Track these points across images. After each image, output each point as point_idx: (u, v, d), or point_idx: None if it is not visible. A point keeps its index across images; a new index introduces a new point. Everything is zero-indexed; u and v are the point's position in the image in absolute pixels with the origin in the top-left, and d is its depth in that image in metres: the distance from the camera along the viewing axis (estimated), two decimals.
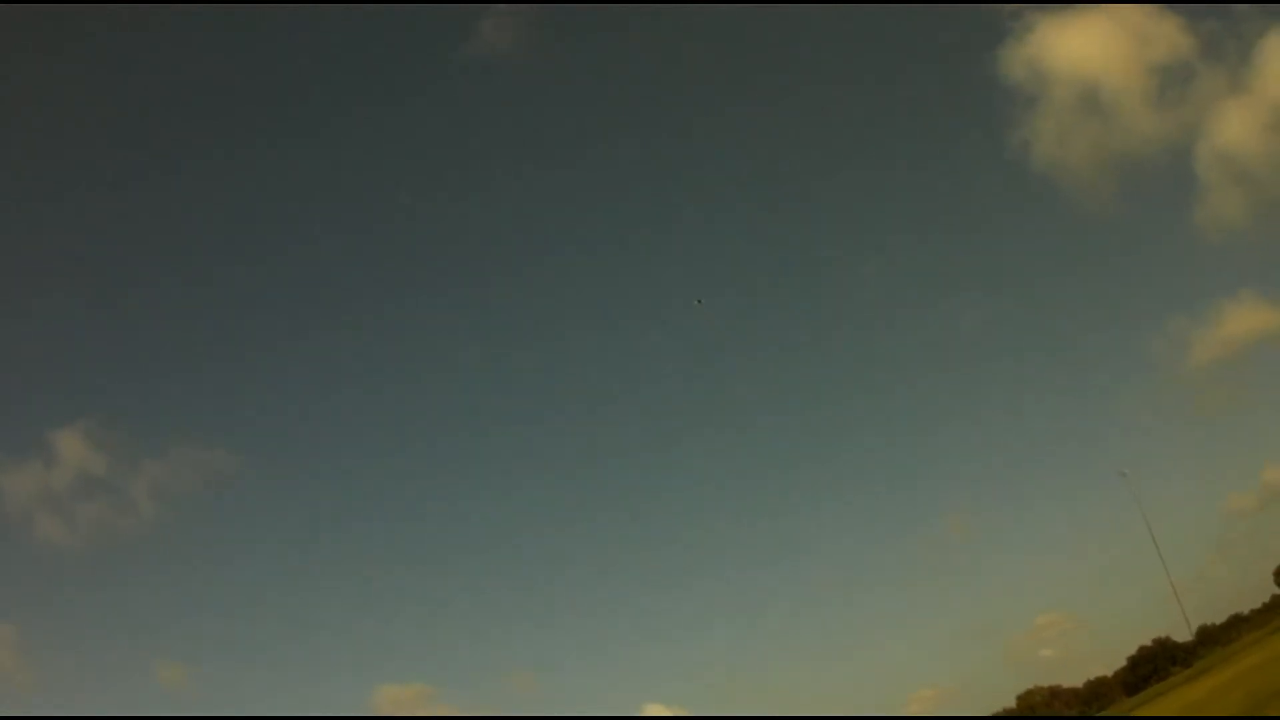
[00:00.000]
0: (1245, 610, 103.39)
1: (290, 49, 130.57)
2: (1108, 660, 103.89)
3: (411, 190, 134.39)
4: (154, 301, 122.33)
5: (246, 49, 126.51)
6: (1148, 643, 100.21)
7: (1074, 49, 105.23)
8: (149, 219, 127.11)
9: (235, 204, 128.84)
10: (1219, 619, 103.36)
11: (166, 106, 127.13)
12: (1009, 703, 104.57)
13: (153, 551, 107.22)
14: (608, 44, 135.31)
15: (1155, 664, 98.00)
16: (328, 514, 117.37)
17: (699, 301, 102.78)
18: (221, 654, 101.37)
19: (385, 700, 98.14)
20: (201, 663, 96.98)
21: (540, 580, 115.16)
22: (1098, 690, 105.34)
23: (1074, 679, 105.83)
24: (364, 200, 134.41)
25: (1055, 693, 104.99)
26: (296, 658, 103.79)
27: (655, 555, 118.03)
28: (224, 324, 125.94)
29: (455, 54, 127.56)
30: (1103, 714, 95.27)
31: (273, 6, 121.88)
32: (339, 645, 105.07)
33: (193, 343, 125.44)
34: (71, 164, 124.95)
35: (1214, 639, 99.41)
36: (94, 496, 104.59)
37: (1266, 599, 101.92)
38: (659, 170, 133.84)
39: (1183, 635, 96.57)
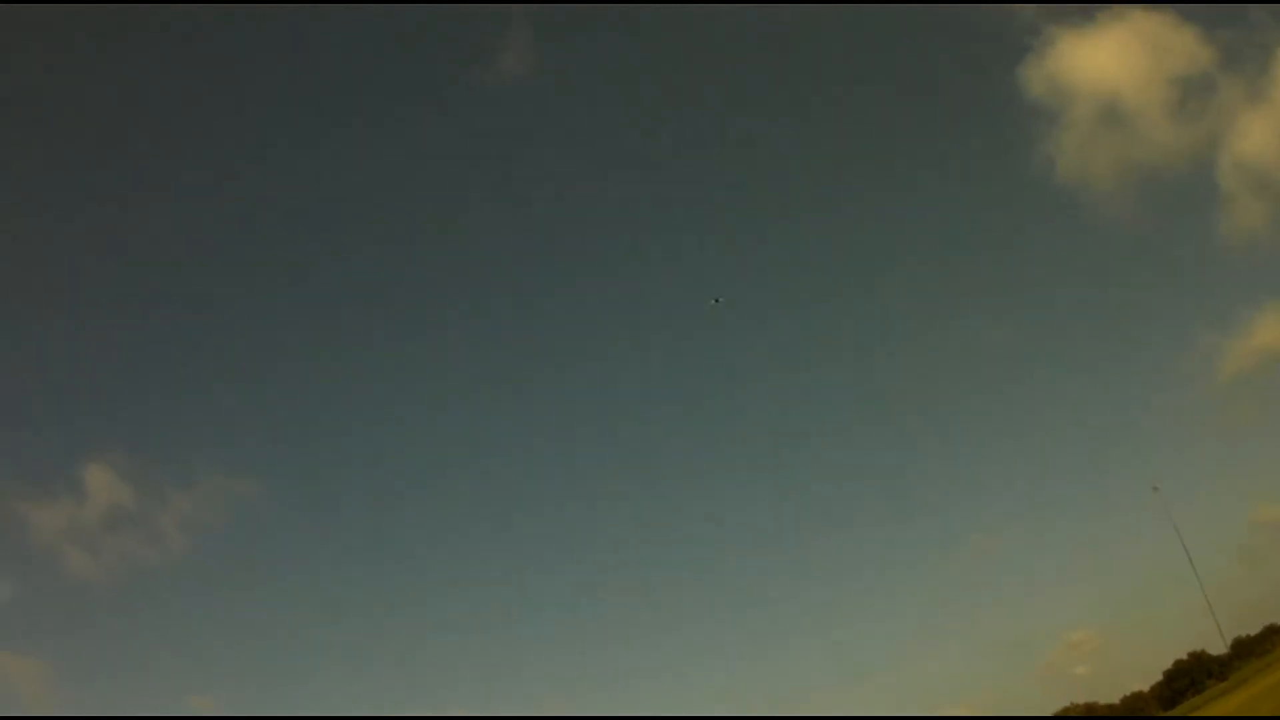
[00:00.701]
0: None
1: (316, 77, 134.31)
2: (1143, 676, 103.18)
3: (437, 215, 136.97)
4: (177, 331, 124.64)
5: (272, 73, 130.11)
6: (1183, 656, 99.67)
7: (1094, 63, 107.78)
8: (172, 251, 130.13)
9: (258, 232, 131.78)
10: (1254, 630, 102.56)
11: (192, 133, 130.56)
12: None
13: (182, 583, 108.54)
14: (627, 63, 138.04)
15: (1191, 677, 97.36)
16: (355, 540, 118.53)
17: (716, 300, 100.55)
18: (252, 684, 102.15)
19: None
20: (232, 694, 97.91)
21: (575, 609, 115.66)
22: (1134, 706, 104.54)
23: (1109, 696, 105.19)
24: (389, 227, 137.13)
25: (1091, 709, 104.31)
26: (326, 686, 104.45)
27: (679, 577, 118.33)
28: (247, 351, 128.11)
29: (476, 78, 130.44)
30: None
31: (298, 35, 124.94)
32: (369, 673, 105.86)
33: (217, 371, 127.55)
34: (96, 197, 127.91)
35: (1249, 650, 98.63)
36: (122, 529, 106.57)
37: None
38: (676, 186, 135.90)
39: (1218, 648, 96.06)
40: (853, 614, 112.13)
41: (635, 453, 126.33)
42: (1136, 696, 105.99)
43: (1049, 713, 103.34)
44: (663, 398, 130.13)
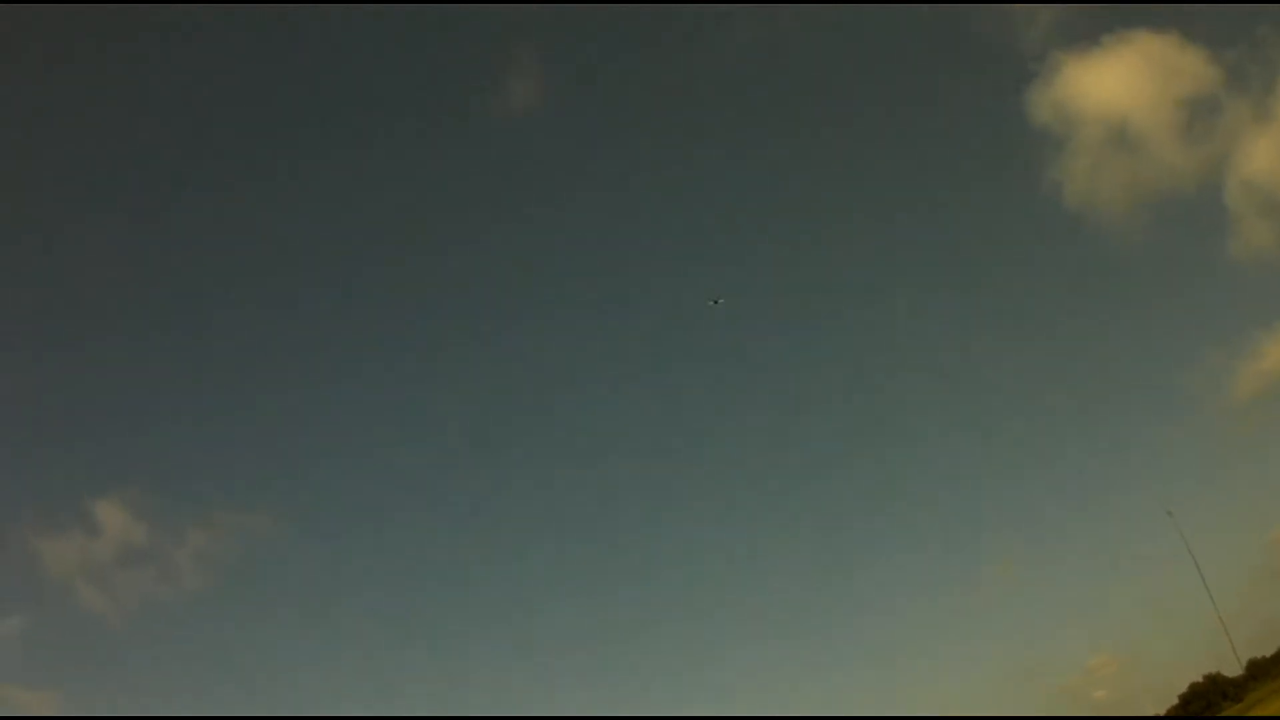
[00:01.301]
0: None
1: (320, 109, 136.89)
2: (1162, 699, 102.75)
3: (448, 247, 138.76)
4: (187, 366, 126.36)
5: (277, 102, 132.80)
6: (1199, 679, 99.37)
7: (1100, 87, 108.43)
8: (181, 288, 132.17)
9: (266, 266, 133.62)
10: (1268, 651, 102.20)
11: (196, 166, 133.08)
12: None
13: (197, 617, 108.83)
14: (635, 93, 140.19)
15: (1207, 699, 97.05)
16: (370, 572, 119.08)
17: (716, 301, 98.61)
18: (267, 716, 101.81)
19: None
20: None
21: (600, 635, 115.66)
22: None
23: None
24: (398, 261, 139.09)
25: None
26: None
27: (702, 615, 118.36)
28: (258, 386, 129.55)
29: (485, 110, 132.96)
30: None
31: (301, 65, 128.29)
32: (387, 706, 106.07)
33: (228, 406, 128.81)
34: (108, 230, 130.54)
35: (1265, 671, 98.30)
36: (136, 564, 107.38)
37: None
38: (684, 211, 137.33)
39: (1233, 670, 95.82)
40: (867, 645, 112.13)
41: (642, 482, 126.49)
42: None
43: None
44: (668, 421, 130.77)
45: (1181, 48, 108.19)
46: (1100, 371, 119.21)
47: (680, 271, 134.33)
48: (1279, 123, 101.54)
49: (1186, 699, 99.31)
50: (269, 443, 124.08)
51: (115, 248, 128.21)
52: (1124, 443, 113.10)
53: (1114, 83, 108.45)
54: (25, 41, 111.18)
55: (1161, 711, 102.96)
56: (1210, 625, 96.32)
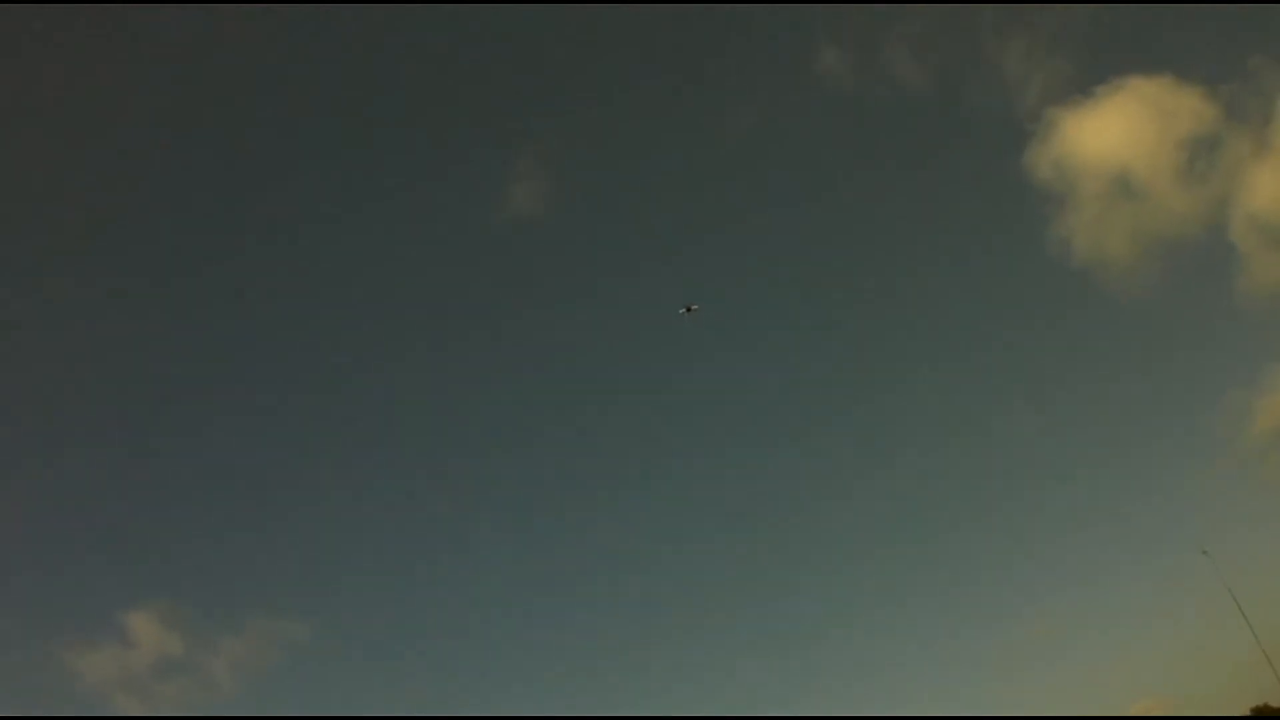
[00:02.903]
0: None
1: (320, 217, 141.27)
2: None
3: (466, 350, 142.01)
4: (213, 479, 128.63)
5: (282, 206, 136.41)
6: (1246, 712, 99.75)
7: (1098, 138, 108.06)
8: (205, 404, 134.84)
9: (280, 379, 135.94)
10: None
11: (202, 279, 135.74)
12: None
13: None
14: (633, 197, 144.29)
15: None
16: (406, 678, 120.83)
17: (688, 309, 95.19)
18: None
19: None
20: None
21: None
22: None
23: None
24: (417, 367, 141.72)
25: None
26: None
27: (734, 670, 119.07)
28: (287, 496, 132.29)
29: (490, 218, 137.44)
30: None
31: (301, 174, 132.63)
32: None
33: (258, 517, 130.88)
34: (149, 348, 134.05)
35: None
36: (172, 674, 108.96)
37: None
38: (684, 292, 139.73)
39: (1279, 700, 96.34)
40: (901, 694, 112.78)
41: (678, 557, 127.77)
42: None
43: None
44: (697, 495, 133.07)
45: (1176, 88, 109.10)
46: (1124, 422, 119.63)
47: (680, 354, 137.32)
48: (1277, 152, 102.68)
49: None
50: (302, 550, 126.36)
51: (144, 358, 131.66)
52: (1153, 489, 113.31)
53: (1111, 132, 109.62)
54: None
55: None
56: (1254, 659, 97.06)
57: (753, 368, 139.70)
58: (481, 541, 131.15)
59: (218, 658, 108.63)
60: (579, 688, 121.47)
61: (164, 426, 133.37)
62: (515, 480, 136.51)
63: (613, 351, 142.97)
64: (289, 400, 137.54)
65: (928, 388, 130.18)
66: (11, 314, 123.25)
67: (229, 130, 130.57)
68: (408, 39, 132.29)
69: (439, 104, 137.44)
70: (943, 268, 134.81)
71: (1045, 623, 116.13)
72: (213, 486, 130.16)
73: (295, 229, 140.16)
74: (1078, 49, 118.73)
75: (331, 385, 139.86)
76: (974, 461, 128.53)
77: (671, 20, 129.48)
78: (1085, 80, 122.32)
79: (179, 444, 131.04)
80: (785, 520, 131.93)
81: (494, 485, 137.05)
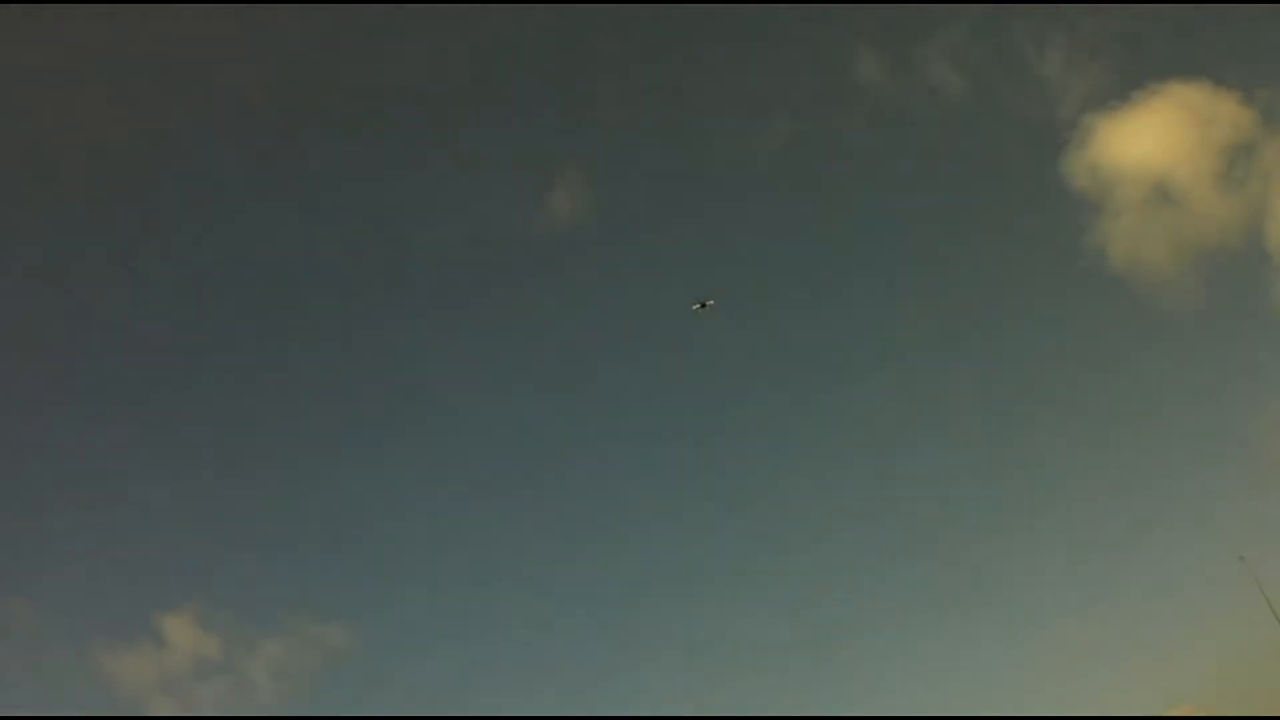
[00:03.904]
0: None
1: (361, 235, 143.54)
2: None
3: (499, 361, 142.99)
4: (249, 485, 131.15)
5: (312, 229, 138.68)
6: None
7: (1135, 145, 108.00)
8: (241, 408, 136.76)
9: (316, 389, 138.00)
10: None
11: (251, 297, 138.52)
12: None
13: None
14: (668, 208, 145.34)
15: None
16: (446, 678, 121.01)
17: (702, 305, 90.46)
18: None
19: None
20: None
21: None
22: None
23: None
24: (447, 379, 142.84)
25: None
26: None
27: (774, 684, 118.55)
28: (324, 500, 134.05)
29: (528, 226, 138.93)
30: None
31: (337, 186, 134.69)
32: None
33: (296, 520, 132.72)
34: (182, 363, 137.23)
35: None
36: (211, 677, 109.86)
37: None
38: (722, 296, 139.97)
39: None
40: (936, 706, 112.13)
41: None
42: None
43: None
44: (741, 497, 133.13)
45: (1214, 94, 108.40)
46: (1161, 429, 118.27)
47: (715, 367, 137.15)
48: None
49: None
50: (341, 554, 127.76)
51: (178, 357, 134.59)
52: (1189, 495, 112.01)
53: (1149, 138, 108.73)
54: None
55: None
56: None
57: (783, 371, 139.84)
58: (524, 546, 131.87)
59: (255, 660, 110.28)
60: (612, 689, 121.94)
61: (201, 428, 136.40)
62: (554, 483, 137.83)
63: (639, 352, 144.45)
64: (327, 402, 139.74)
65: (962, 395, 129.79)
66: (50, 308, 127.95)
67: (259, 135, 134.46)
68: (444, 43, 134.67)
69: (478, 110, 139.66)
70: (980, 274, 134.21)
71: (1079, 630, 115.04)
72: (250, 489, 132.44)
73: (336, 237, 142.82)
74: (1115, 55, 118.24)
75: (369, 388, 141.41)
76: (1008, 468, 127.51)
77: (708, 27, 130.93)
78: (1123, 86, 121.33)
79: (219, 445, 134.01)
80: (821, 526, 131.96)
81: (533, 488, 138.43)
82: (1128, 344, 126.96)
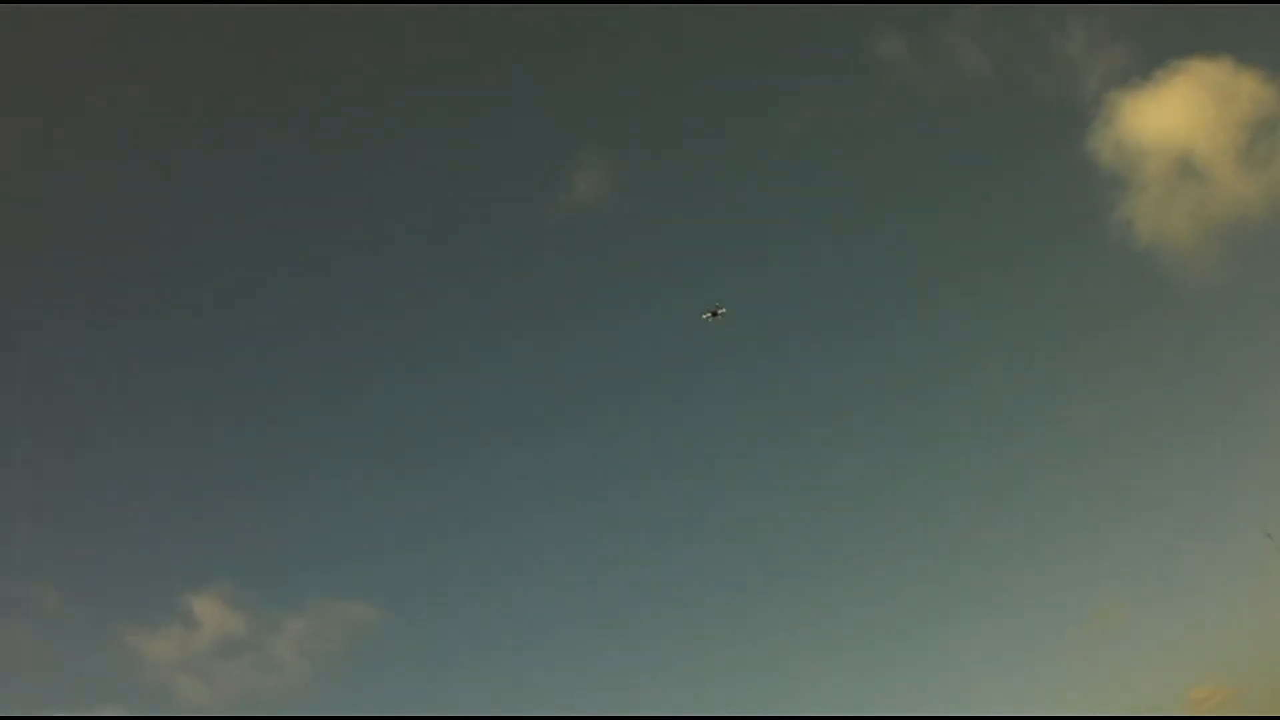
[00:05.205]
0: None
1: (381, 209, 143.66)
2: None
3: (525, 339, 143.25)
4: (274, 460, 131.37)
5: (336, 202, 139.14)
6: None
7: (1159, 121, 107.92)
8: (264, 386, 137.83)
9: (340, 370, 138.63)
10: None
11: (274, 263, 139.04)
12: None
13: (301, 706, 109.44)
14: (695, 186, 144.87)
15: None
16: (475, 657, 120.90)
17: (715, 313, 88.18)
18: None
19: None
20: None
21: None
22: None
23: None
24: (470, 352, 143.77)
25: None
26: None
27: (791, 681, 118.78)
28: (350, 475, 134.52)
29: (552, 205, 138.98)
30: None
31: (361, 164, 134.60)
32: None
33: (320, 497, 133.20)
34: (204, 341, 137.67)
35: None
36: (236, 655, 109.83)
37: None
38: (747, 291, 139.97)
39: None
40: (964, 687, 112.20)
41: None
42: None
43: None
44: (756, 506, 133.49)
45: (1236, 71, 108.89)
46: (1186, 405, 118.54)
47: (732, 347, 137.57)
48: None
49: None
50: (367, 531, 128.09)
51: (203, 337, 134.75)
52: (1214, 471, 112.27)
53: (1172, 115, 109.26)
54: None
55: None
56: None
57: (811, 352, 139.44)
58: (546, 527, 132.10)
59: (282, 638, 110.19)
60: (622, 675, 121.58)
61: (226, 410, 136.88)
62: (580, 464, 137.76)
63: (655, 344, 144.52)
64: (352, 383, 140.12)
65: (987, 372, 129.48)
66: (73, 288, 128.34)
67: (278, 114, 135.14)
68: (464, 26, 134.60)
69: (503, 92, 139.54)
70: (1007, 252, 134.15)
71: (1104, 607, 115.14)
72: (278, 469, 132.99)
73: (361, 219, 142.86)
74: (1136, 33, 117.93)
75: (395, 370, 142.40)
76: (1034, 445, 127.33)
77: (728, 8, 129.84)
78: (1145, 64, 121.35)
79: (245, 427, 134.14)
80: (854, 502, 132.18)
81: (560, 469, 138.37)
82: (1153, 319, 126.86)
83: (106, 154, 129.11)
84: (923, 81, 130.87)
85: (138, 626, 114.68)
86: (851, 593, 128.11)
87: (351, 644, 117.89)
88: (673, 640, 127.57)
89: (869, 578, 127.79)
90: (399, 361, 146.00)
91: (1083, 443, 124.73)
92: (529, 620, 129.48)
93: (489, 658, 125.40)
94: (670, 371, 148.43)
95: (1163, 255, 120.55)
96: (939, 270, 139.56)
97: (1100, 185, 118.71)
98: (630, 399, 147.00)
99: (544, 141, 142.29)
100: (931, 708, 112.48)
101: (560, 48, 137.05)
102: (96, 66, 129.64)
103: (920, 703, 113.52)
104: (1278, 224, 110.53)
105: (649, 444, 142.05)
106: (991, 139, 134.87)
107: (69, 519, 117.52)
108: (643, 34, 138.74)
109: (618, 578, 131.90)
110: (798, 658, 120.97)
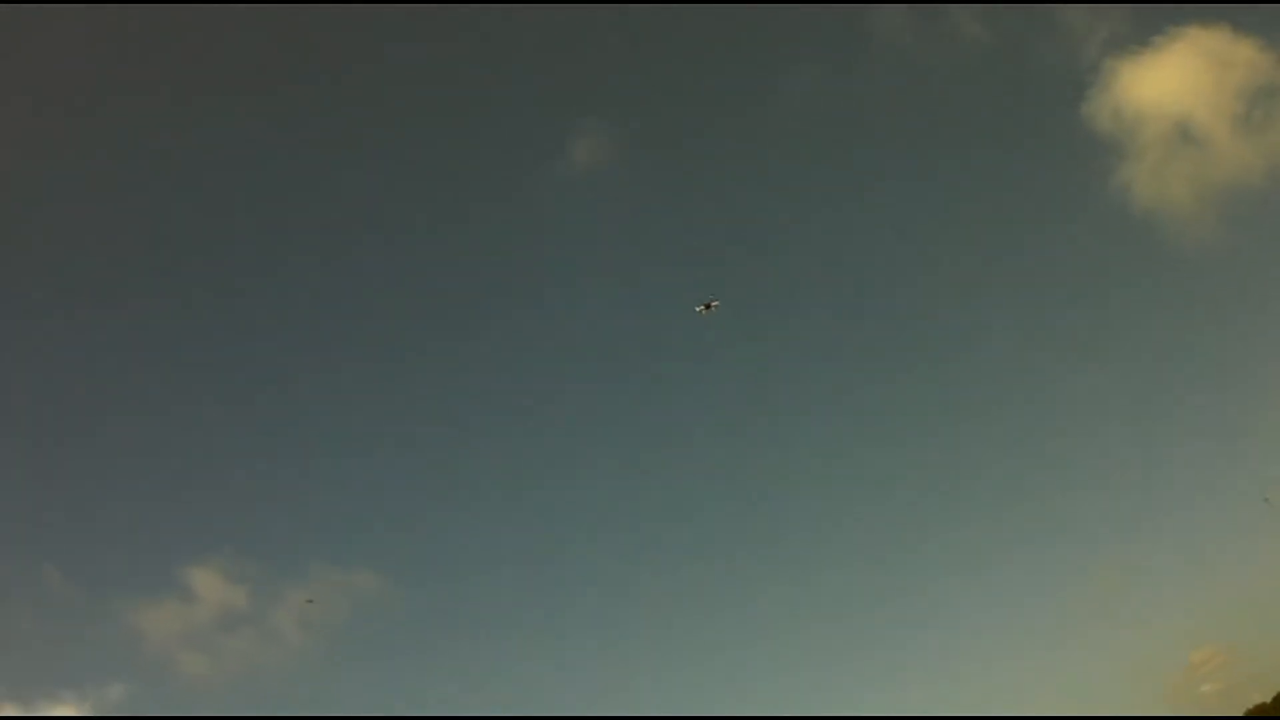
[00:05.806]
0: None
1: (383, 179, 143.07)
2: (1269, 687, 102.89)
3: (527, 305, 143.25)
4: (273, 428, 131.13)
5: (340, 174, 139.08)
6: None
7: (1157, 88, 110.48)
8: (266, 355, 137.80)
9: (345, 331, 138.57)
10: None
11: (278, 241, 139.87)
12: None
13: (302, 678, 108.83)
14: (694, 155, 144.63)
15: None
16: (478, 629, 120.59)
17: (707, 306, 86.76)
18: None
19: None
20: None
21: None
22: (1258, 717, 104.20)
23: (1237, 710, 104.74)
24: (471, 319, 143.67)
25: None
26: None
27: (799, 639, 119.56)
28: (349, 444, 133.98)
29: (552, 171, 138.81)
30: None
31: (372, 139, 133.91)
32: None
33: (321, 467, 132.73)
34: (212, 314, 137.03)
35: None
36: (237, 628, 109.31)
37: None
38: (745, 262, 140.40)
39: None
40: (969, 657, 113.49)
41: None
42: (1259, 708, 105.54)
43: None
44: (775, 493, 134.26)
45: (1233, 39, 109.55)
46: (1186, 369, 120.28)
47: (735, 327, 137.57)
48: None
49: None
50: (367, 501, 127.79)
51: (201, 318, 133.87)
52: (1214, 436, 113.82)
53: (1170, 82, 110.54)
54: None
55: (1268, 699, 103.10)
56: None
57: (821, 317, 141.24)
58: (550, 500, 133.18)
59: (283, 609, 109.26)
60: (625, 668, 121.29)
61: (229, 384, 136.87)
62: (588, 434, 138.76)
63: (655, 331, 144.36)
64: (355, 356, 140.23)
65: (989, 337, 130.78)
66: (81, 275, 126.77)
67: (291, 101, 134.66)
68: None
69: (507, 67, 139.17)
70: (1006, 217, 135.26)
71: (1107, 572, 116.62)
72: (278, 440, 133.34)
73: (374, 193, 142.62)
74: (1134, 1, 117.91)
75: (395, 338, 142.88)
76: (1035, 410, 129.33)
77: None
78: (1144, 31, 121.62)
79: (242, 395, 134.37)
80: (859, 470, 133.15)
81: (568, 437, 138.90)
82: (1152, 282, 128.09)
83: (106, 154, 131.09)
84: (923, 48, 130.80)
85: (140, 601, 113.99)
86: (857, 526, 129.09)
87: (354, 614, 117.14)
88: (659, 651, 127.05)
89: (889, 530, 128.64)
90: (402, 333, 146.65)
91: (1081, 407, 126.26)
92: (532, 591, 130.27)
93: (490, 628, 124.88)
94: (669, 366, 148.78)
95: (1160, 220, 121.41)
96: (939, 236, 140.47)
97: (1098, 151, 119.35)
98: (630, 388, 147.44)
99: (544, 110, 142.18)
100: (936, 659, 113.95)
101: (561, 16, 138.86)
102: (96, 66, 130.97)
103: (927, 649, 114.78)
104: (1274, 189, 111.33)
105: (650, 431, 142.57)
106: (990, 106, 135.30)
107: (68, 495, 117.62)
108: (643, 3, 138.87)
109: (621, 547, 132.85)
110: (783, 655, 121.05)
